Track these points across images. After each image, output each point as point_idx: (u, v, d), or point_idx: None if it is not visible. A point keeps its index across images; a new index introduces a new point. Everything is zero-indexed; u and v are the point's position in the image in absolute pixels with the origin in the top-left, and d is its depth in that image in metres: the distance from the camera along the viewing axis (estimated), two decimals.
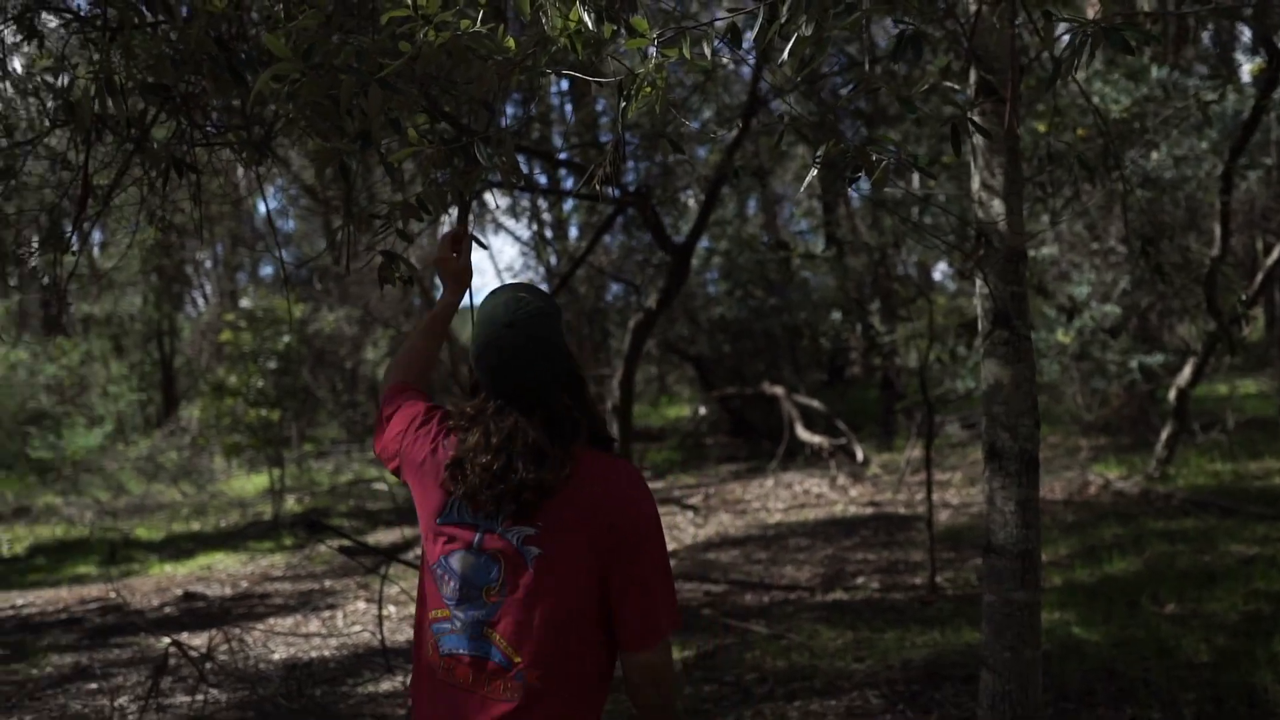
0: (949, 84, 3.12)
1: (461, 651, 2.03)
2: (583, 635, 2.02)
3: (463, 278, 2.77)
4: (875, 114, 8.38)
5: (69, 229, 4.59)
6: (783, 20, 2.29)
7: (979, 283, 3.26)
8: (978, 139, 3.18)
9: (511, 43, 2.47)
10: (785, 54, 2.33)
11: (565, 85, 14.67)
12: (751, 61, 7.79)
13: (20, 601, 11.46)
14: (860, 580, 7.80)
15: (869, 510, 10.39)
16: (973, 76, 3.23)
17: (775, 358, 16.60)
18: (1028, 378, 3.20)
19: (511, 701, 1.98)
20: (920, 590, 7.25)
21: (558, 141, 14.47)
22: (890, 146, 2.36)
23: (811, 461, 13.31)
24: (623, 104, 2.39)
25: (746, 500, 11.79)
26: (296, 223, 25.30)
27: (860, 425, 14.44)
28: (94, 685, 7.14)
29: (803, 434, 13.10)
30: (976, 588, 7.12)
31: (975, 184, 3.30)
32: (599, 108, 12.34)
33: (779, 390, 13.98)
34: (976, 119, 2.97)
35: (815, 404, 13.85)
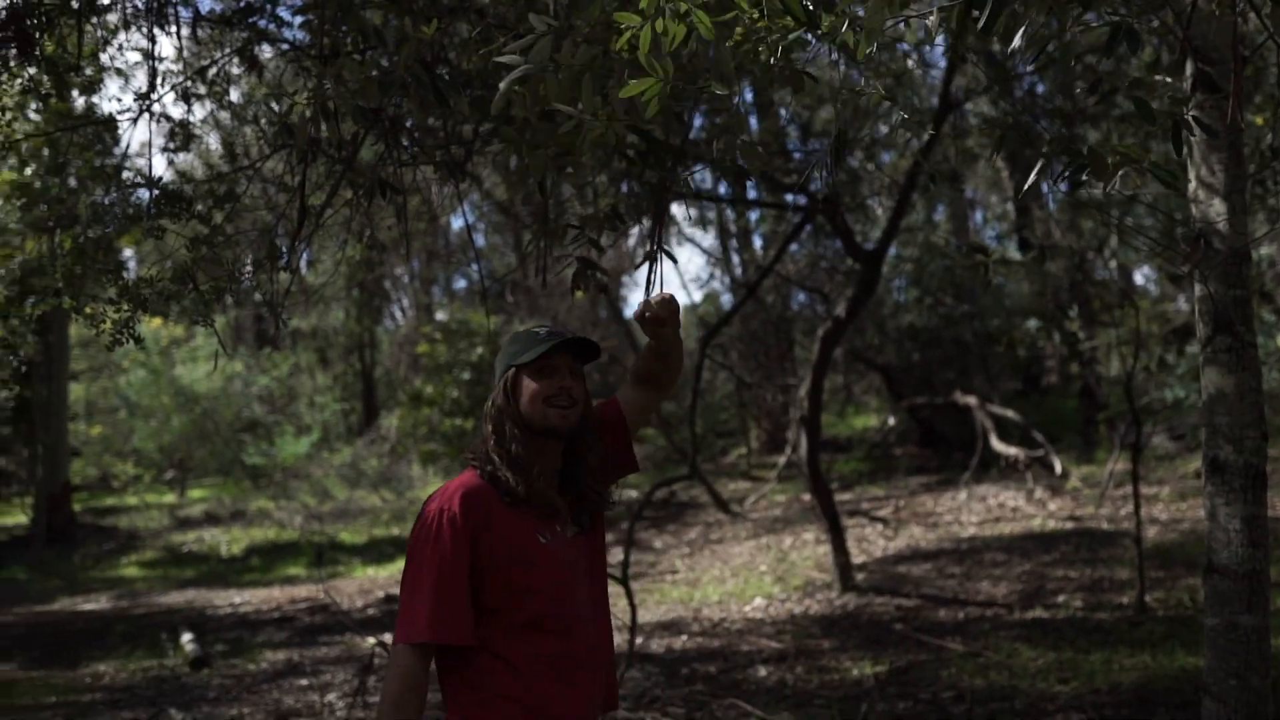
0: (1160, 77, 2.97)
1: None
2: None
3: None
4: (1075, 113, 8.04)
5: (286, 247, 4.86)
6: (984, 15, 2.21)
7: (1197, 287, 3.08)
8: (1194, 137, 3.01)
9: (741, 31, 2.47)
10: (1018, 41, 2.26)
11: (750, 95, 14.67)
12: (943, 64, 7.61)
13: (238, 599, 12.20)
14: (1061, 598, 7.48)
15: (1069, 525, 9.95)
16: (1189, 69, 3.06)
17: (966, 366, 16.12)
18: (1253, 387, 3.00)
19: None
20: (1128, 610, 6.90)
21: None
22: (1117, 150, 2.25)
23: (1006, 474, 12.84)
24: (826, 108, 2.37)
25: (938, 513, 11.49)
26: (487, 238, 26.09)
27: (1058, 436, 13.85)
28: (305, 681, 7.53)
29: (997, 445, 12.66)
30: (1190, 609, 6.73)
31: (1192, 183, 3.12)
32: (783, 115, 12.27)
33: (971, 400, 13.55)
34: (1195, 114, 2.81)
35: (1010, 414, 13.36)
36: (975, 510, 11.31)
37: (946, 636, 6.80)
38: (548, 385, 2.34)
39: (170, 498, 25.31)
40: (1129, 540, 8.09)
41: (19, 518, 22.86)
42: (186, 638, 9.15)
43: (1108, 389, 14.71)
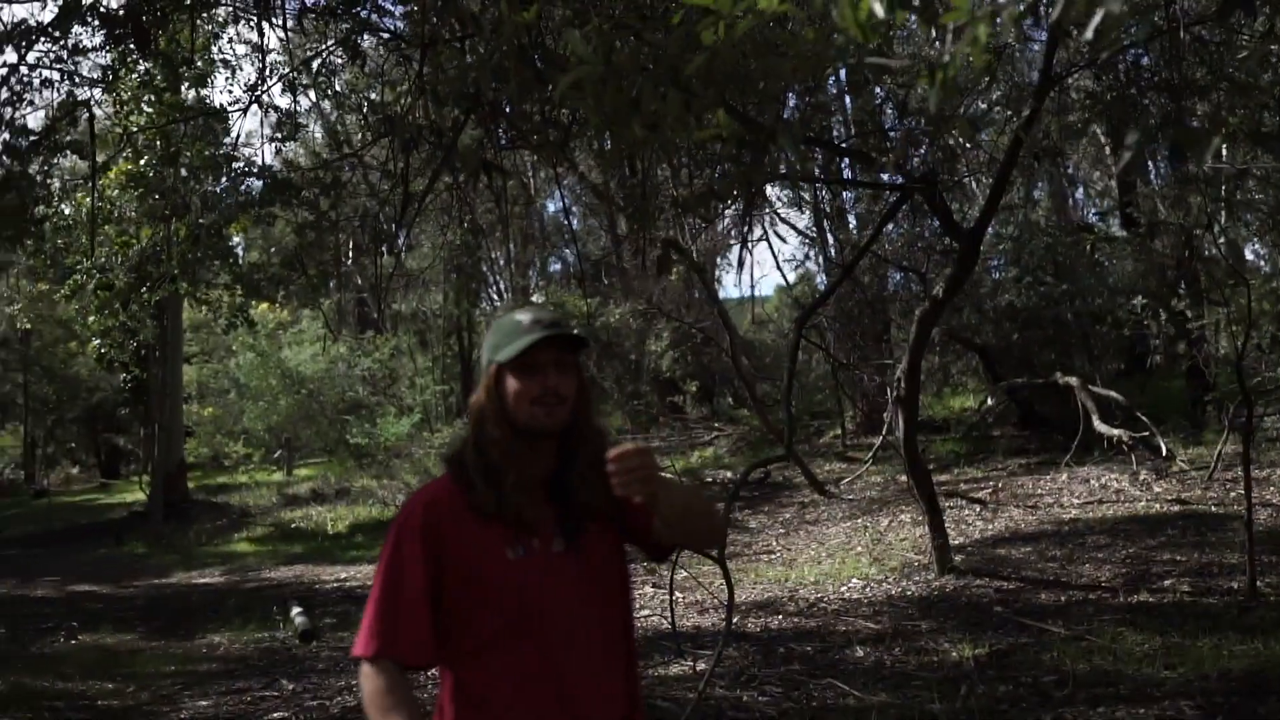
0: (1276, 46, 2.91)
1: None
2: None
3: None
4: (1182, 85, 7.78)
5: (391, 232, 5.00)
6: None
7: None
8: None
9: (811, 33, 2.48)
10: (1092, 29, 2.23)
11: (843, 74, 14.52)
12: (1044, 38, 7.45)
13: (343, 575, 12.56)
14: (1168, 582, 7.32)
15: (1175, 508, 9.71)
16: None
17: (1068, 346, 15.77)
18: None
19: None
20: (1238, 595, 6.73)
21: (837, 131, 14.33)
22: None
23: (1109, 455, 12.57)
24: (925, 88, 2.37)
25: (1038, 495, 11.30)
26: (582, 220, 26.29)
27: (1164, 418, 13.48)
28: None
29: (1099, 426, 12.37)
30: None
31: None
32: (879, 94, 12.12)
33: (1073, 380, 13.25)
34: None
35: (1113, 395, 13.05)
36: (1077, 492, 11.10)
37: (1048, 619, 6.72)
38: (532, 384, 2.09)
39: (278, 476, 26.11)
40: (1239, 523, 7.88)
41: (137, 495, 23.80)
42: (296, 611, 9.46)
43: (1216, 369, 14.27)
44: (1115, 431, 12.10)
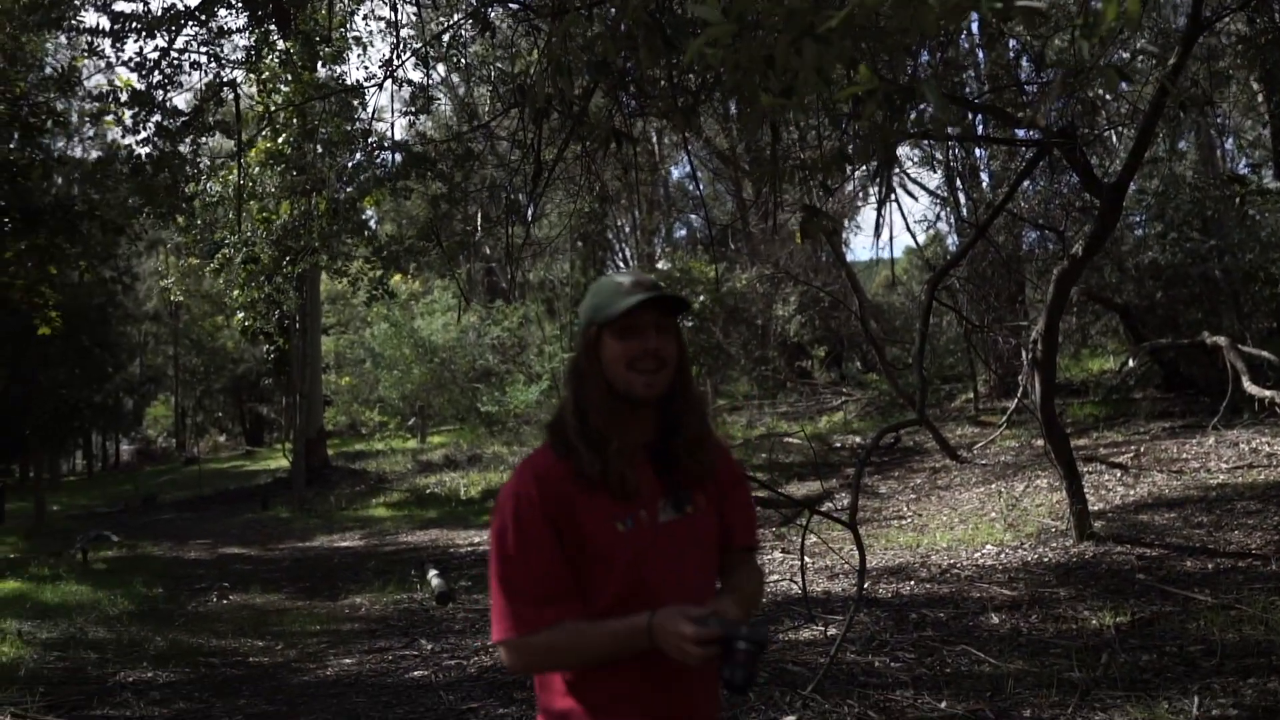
0: None
1: None
2: None
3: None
4: None
5: (523, 202, 5.08)
6: None
7: None
8: None
9: None
10: None
11: (975, 27, 14.11)
12: None
13: (477, 539, 12.90)
14: None
15: None
16: None
17: (1216, 305, 15.11)
18: None
19: None
20: None
21: (969, 88, 13.95)
22: None
23: (1260, 418, 12.02)
24: (1072, 37, 2.30)
25: (1183, 459, 10.89)
26: (708, 185, 26.19)
27: None
28: None
29: (1250, 388, 11.82)
30: None
31: None
32: (1013, 46, 11.77)
33: (1221, 340, 12.69)
34: None
35: (1265, 354, 12.45)
36: (1225, 456, 10.65)
37: (1194, 588, 6.49)
38: (632, 346, 2.05)
39: (412, 443, 26.88)
40: None
41: (281, 461, 24.78)
42: (432, 574, 9.76)
43: None
44: (1267, 393, 11.55)
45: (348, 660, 7.22)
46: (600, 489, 2.05)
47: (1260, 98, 15.93)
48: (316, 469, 21.65)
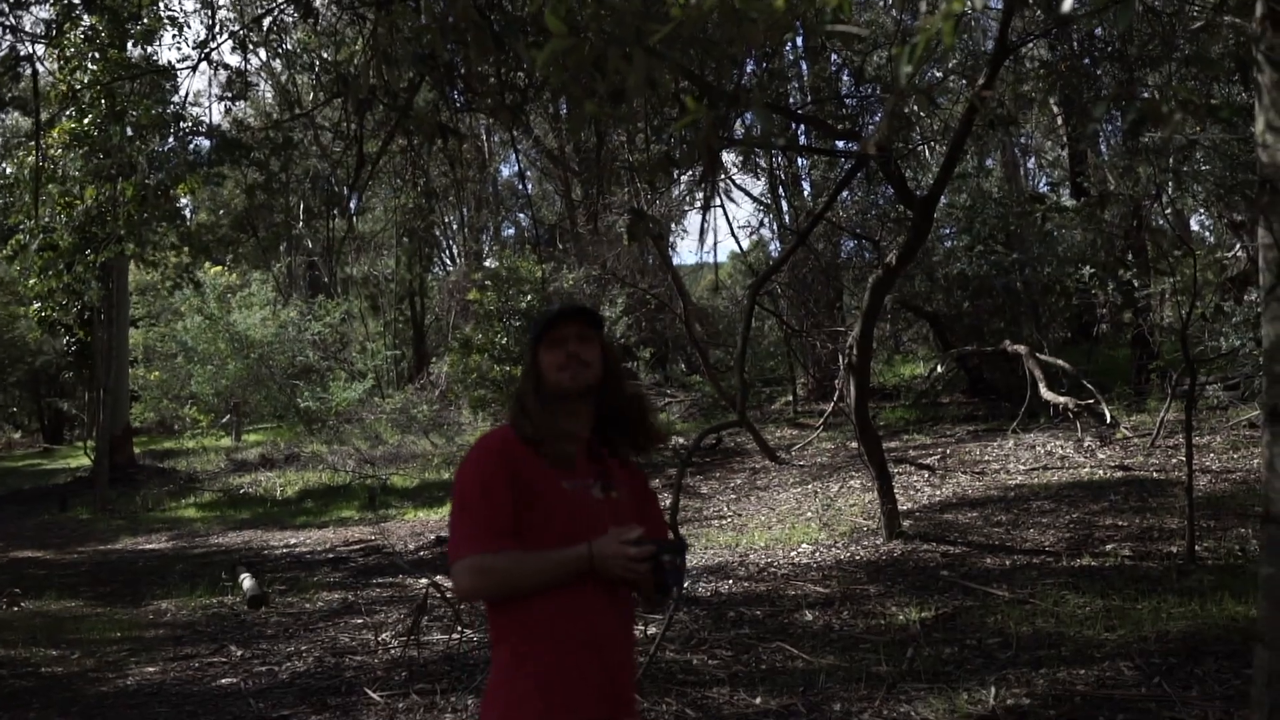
0: (1227, 18, 2.92)
1: None
2: None
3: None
4: (1135, 57, 7.85)
5: (343, 195, 4.93)
6: None
7: (1261, 234, 3.04)
8: (1263, 77, 2.95)
9: (781, 2, 2.46)
10: None
11: (800, 42, 14.50)
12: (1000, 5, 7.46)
13: (293, 540, 12.48)
14: (1110, 546, 7.47)
15: (1118, 474, 9.89)
16: (1259, 9, 3.00)
17: (1017, 315, 15.97)
18: None
19: None
20: (1177, 559, 6.88)
21: (792, 99, 14.31)
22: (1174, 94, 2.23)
23: (1055, 422, 12.77)
24: (889, 55, 2.36)
25: (985, 461, 11.46)
26: (538, 185, 26.08)
27: (1109, 386, 13.71)
28: (359, 620, 7.72)
29: (1046, 394, 12.55)
30: (1241, 558, 6.70)
31: (1260, 125, 3.07)
32: (835, 60, 12.14)
33: (1021, 348, 13.43)
34: (1265, 53, 2.76)
35: (1060, 363, 13.24)
36: (1023, 458, 11.26)
37: (993, 583, 6.83)
38: (559, 353, 2.52)
39: (227, 441, 25.82)
40: (1179, 489, 8.04)
41: (82, 460, 23.43)
42: (244, 577, 9.39)
43: (1161, 338, 14.51)
44: (1061, 399, 12.29)
45: (150, 669, 6.86)
46: (545, 456, 2.48)
47: (1060, 120, 16.90)
48: (121, 468, 20.53)
